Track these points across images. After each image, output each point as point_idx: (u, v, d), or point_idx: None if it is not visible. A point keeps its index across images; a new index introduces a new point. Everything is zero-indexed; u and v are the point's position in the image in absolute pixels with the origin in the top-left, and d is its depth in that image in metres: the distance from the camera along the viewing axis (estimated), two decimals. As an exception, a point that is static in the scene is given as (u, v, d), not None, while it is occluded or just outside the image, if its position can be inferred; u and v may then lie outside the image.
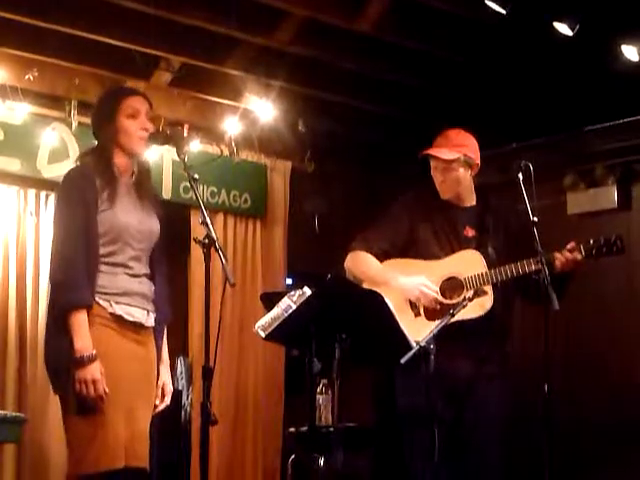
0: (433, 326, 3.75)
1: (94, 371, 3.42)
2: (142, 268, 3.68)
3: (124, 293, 3.59)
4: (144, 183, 3.76)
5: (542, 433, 3.75)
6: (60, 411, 3.60)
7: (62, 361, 3.48)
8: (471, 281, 4.15)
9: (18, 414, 5.09)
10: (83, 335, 3.44)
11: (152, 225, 3.73)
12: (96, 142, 3.77)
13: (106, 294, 3.55)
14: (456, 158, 4.27)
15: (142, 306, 3.65)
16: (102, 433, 3.44)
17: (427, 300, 4.17)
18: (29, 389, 5.65)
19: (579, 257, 4.06)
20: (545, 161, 5.30)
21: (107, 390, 3.44)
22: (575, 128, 6.39)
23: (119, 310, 3.57)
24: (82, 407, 3.45)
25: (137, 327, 3.62)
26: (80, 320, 3.45)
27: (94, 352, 3.44)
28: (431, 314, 4.18)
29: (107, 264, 3.57)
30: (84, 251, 3.50)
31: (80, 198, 3.55)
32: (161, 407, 3.74)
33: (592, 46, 5.34)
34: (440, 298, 4.18)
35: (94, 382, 3.42)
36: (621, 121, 6.22)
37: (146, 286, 3.69)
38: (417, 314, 4.22)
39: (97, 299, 3.53)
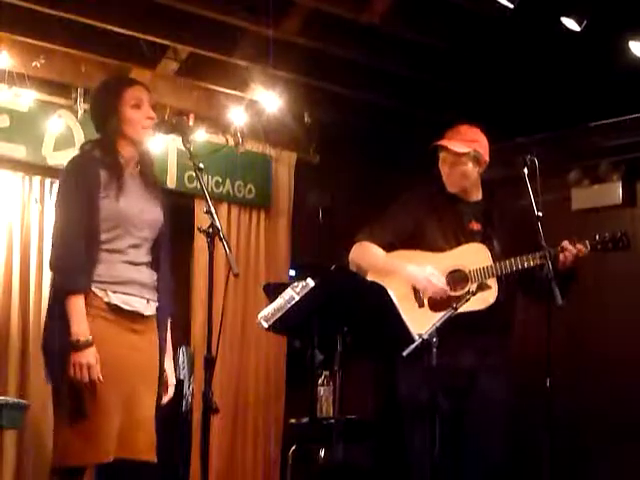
0: (436, 318, 3.76)
1: (89, 355, 3.39)
2: (142, 256, 3.65)
3: (121, 282, 3.55)
4: (148, 172, 3.75)
5: (543, 427, 3.76)
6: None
7: (57, 346, 3.44)
8: (476, 274, 4.15)
9: (20, 400, 5.11)
10: (79, 319, 3.42)
11: (156, 214, 3.70)
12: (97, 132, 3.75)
13: (102, 282, 3.51)
14: (466, 152, 4.27)
15: (140, 295, 3.61)
16: (91, 425, 3.40)
17: (435, 290, 4.17)
18: (31, 375, 5.65)
19: (583, 250, 4.06)
20: (550, 156, 5.29)
21: (101, 378, 3.41)
22: (580, 124, 6.39)
23: (115, 299, 3.53)
24: (73, 395, 3.41)
25: (135, 316, 3.58)
26: (77, 304, 3.42)
27: (90, 338, 3.41)
28: (435, 305, 4.18)
29: (105, 251, 3.54)
30: (84, 237, 3.48)
31: (82, 184, 3.53)
32: (165, 399, 3.71)
33: (599, 42, 5.33)
34: (446, 289, 4.18)
35: (89, 366, 3.38)
36: (627, 117, 6.22)
37: (146, 274, 3.65)
38: (421, 305, 4.22)
39: (93, 288, 3.49)
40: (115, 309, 3.53)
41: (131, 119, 3.63)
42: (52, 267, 3.56)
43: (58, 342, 3.45)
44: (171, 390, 3.75)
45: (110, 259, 3.55)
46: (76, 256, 3.46)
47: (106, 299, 3.52)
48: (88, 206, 3.51)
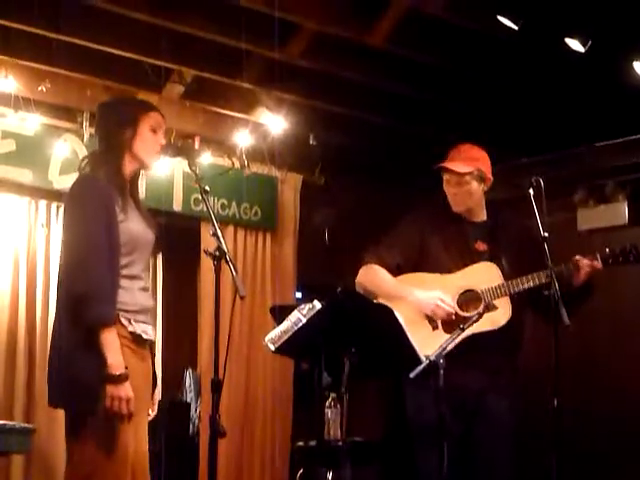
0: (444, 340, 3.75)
1: (128, 388, 3.31)
2: (148, 280, 3.63)
3: (141, 310, 3.50)
4: (135, 192, 3.66)
5: (551, 447, 3.74)
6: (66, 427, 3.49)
7: (87, 379, 3.31)
8: (488, 293, 4.14)
9: (27, 425, 5.09)
10: (117, 351, 3.32)
11: (152, 235, 3.62)
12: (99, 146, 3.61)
13: (127, 311, 3.43)
14: (469, 171, 4.27)
15: (152, 322, 3.59)
16: (121, 455, 3.36)
17: (444, 314, 4.16)
18: (38, 400, 5.65)
19: (597, 264, 4.07)
20: (556, 176, 5.30)
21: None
22: (586, 144, 6.39)
23: (138, 329, 3.47)
24: (106, 427, 3.33)
25: (147, 344, 3.55)
26: (111, 336, 3.31)
27: (127, 370, 3.33)
28: (448, 327, 4.15)
29: (125, 277, 3.45)
30: (108, 262, 3.36)
31: (101, 206, 3.40)
32: (151, 417, 3.66)
33: (604, 62, 5.34)
34: (458, 311, 4.17)
35: (128, 399, 3.31)
36: (632, 137, 6.23)
37: (152, 300, 3.64)
38: (435, 327, 4.19)
39: (120, 317, 3.41)
40: (137, 338, 3.47)
41: (145, 138, 3.55)
42: (75, 295, 3.33)
43: (88, 374, 3.31)
44: (155, 407, 3.71)
45: (132, 286, 3.48)
46: (104, 284, 3.34)
47: (130, 328, 3.44)
48: (109, 228, 3.39)
